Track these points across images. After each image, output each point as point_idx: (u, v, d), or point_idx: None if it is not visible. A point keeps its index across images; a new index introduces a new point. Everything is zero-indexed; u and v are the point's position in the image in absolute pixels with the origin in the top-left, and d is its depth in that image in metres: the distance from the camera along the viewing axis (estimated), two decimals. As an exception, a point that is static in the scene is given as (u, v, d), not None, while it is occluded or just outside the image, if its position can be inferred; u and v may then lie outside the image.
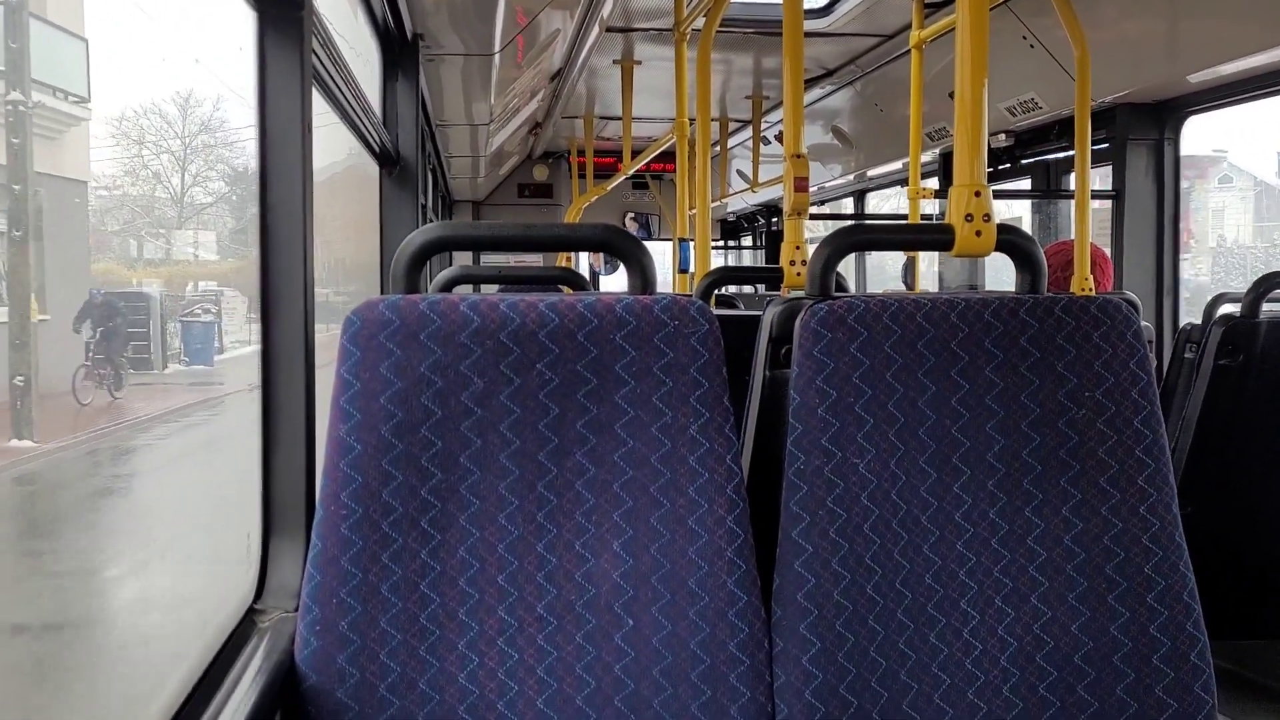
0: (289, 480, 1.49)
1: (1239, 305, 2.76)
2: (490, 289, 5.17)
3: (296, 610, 1.32)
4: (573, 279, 2.38)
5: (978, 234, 1.58)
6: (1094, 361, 1.45)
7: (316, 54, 1.76)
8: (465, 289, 3.03)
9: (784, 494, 1.38)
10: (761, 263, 10.35)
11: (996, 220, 1.70)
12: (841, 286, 2.40)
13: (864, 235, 1.64)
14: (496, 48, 3.62)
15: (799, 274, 2.59)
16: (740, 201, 8.99)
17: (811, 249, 2.70)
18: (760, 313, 1.59)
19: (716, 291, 3.19)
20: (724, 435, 1.35)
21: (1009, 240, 1.58)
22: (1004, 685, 1.40)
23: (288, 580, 1.47)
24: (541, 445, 1.34)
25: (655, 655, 1.32)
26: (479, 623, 1.31)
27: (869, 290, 7.74)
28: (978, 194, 1.59)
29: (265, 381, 1.50)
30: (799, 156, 2.63)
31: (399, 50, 3.32)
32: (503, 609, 1.32)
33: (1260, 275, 2.57)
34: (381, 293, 1.48)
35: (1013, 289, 1.56)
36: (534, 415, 1.33)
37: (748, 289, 7.71)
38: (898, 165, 6.37)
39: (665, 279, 9.16)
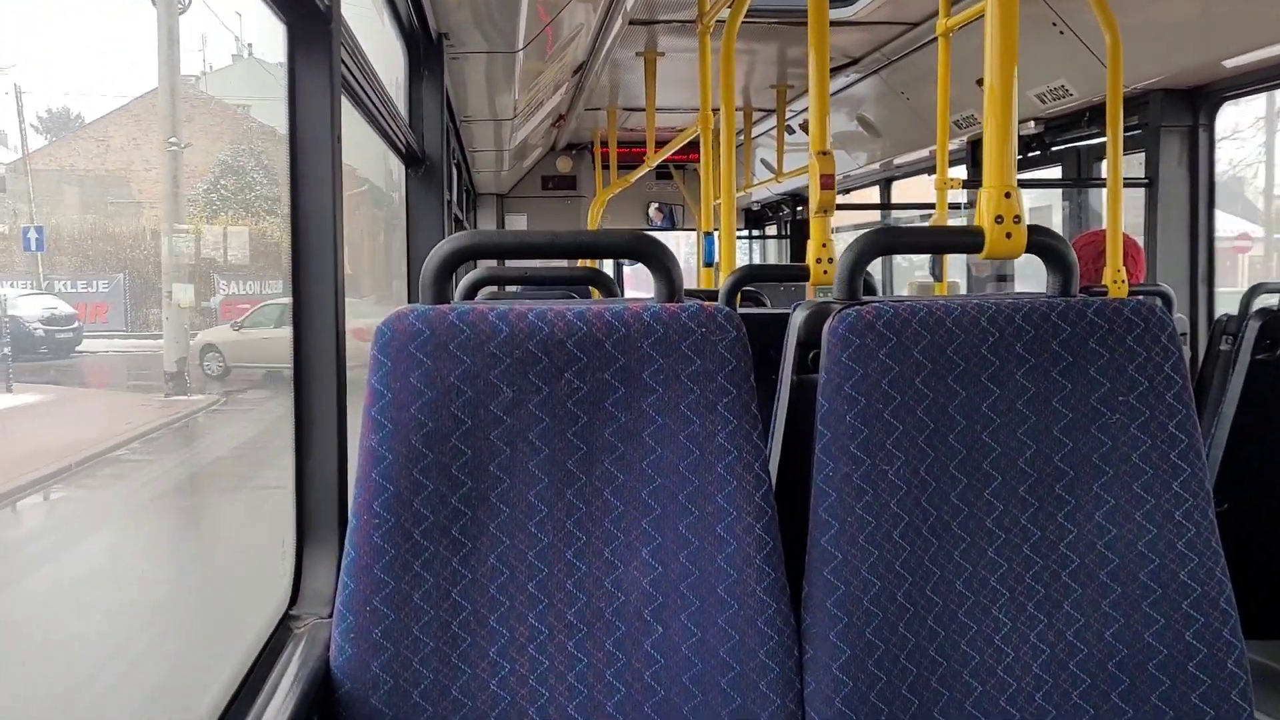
0: (322, 488, 1.50)
1: (1276, 295, 2.73)
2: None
3: (330, 616, 1.34)
4: (598, 279, 2.38)
5: (1008, 236, 1.57)
6: (1127, 365, 1.43)
7: (345, 63, 1.77)
8: (492, 287, 3.04)
9: (813, 500, 1.38)
10: (787, 251, 10.31)
11: (1027, 219, 1.68)
12: (870, 287, 2.38)
13: (893, 238, 1.63)
14: (520, 44, 3.61)
15: (825, 272, 2.58)
16: (765, 190, 8.95)
17: (837, 243, 2.69)
18: (786, 310, 1.59)
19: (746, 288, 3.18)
20: (752, 442, 1.35)
21: (1040, 241, 1.56)
22: (1036, 692, 1.40)
23: (322, 587, 1.48)
24: (570, 453, 1.34)
25: (685, 662, 1.33)
26: (510, 629, 1.32)
27: (895, 280, 7.70)
28: (1008, 195, 1.57)
29: (298, 389, 1.52)
30: (825, 154, 2.62)
31: (424, 50, 3.32)
32: (533, 616, 1.33)
33: None
34: (409, 292, 1.48)
35: (1044, 276, 1.54)
36: (563, 423, 1.34)
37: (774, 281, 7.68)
38: (924, 153, 6.33)
39: (689, 267, 9.13)
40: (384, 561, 1.30)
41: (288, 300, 1.58)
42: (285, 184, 1.57)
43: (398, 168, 3.47)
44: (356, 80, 2.01)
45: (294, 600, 1.49)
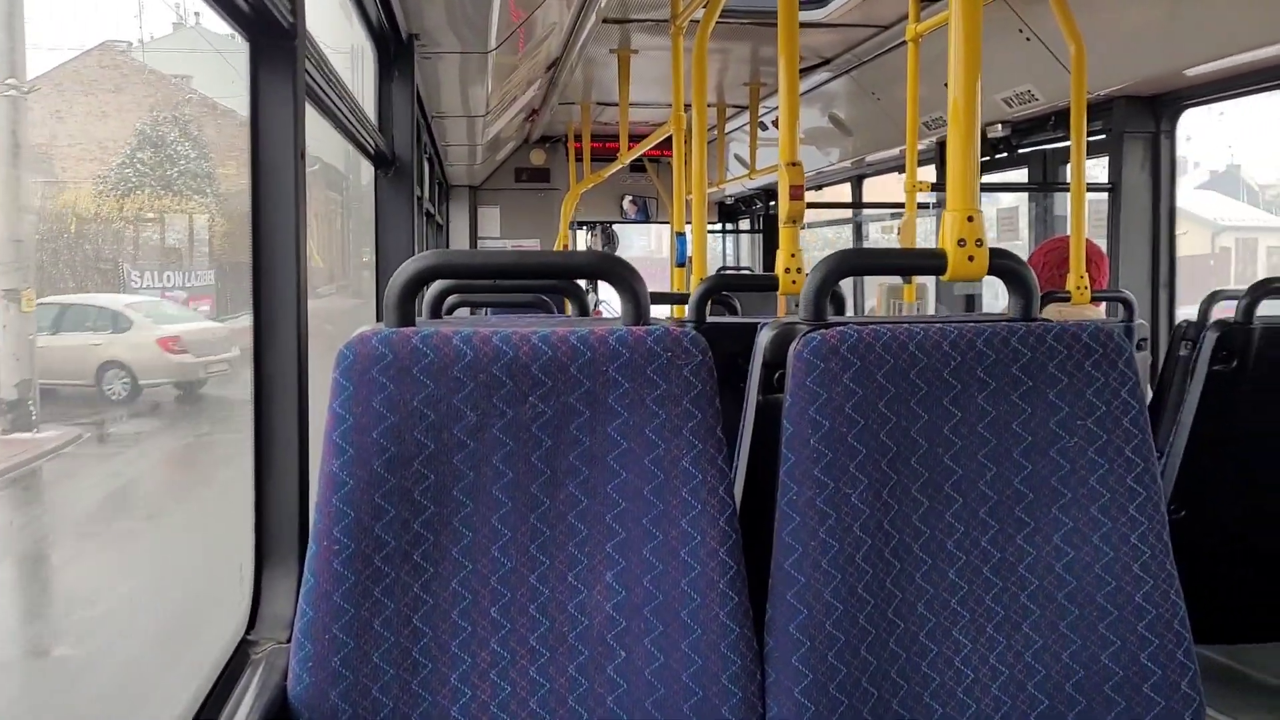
0: (282, 511, 1.49)
1: (1234, 302, 2.76)
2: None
3: (289, 641, 1.33)
4: (569, 290, 2.38)
5: (970, 259, 1.58)
6: (1085, 390, 1.45)
7: (310, 74, 1.75)
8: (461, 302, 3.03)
9: (776, 525, 1.39)
10: (760, 246, 10.33)
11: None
12: (839, 301, 2.40)
13: (857, 260, 1.64)
14: (493, 43, 3.60)
15: (794, 282, 2.59)
16: (739, 185, 8.97)
17: (809, 237, 2.69)
18: (756, 320, 1.59)
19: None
20: (717, 466, 1.35)
21: (1001, 264, 1.58)
22: (995, 714, 1.42)
23: (280, 611, 1.48)
24: (534, 477, 1.34)
25: (648, 687, 1.34)
26: (471, 655, 1.32)
27: (866, 281, 7.73)
28: (971, 219, 1.59)
29: (258, 409, 1.51)
30: (794, 164, 2.62)
31: (394, 51, 3.30)
32: (495, 641, 1.33)
33: (1256, 280, 2.57)
34: (377, 300, 1.48)
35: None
36: (527, 447, 1.34)
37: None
38: (895, 152, 6.36)
39: (664, 258, 9.13)
40: (344, 588, 1.29)
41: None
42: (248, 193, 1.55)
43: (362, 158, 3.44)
44: (322, 90, 2.00)
45: (252, 624, 1.48)
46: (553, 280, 2.32)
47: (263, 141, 1.53)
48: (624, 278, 1.41)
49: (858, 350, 1.41)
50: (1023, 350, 1.45)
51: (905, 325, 1.45)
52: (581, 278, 1.46)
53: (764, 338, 1.51)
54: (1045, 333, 1.45)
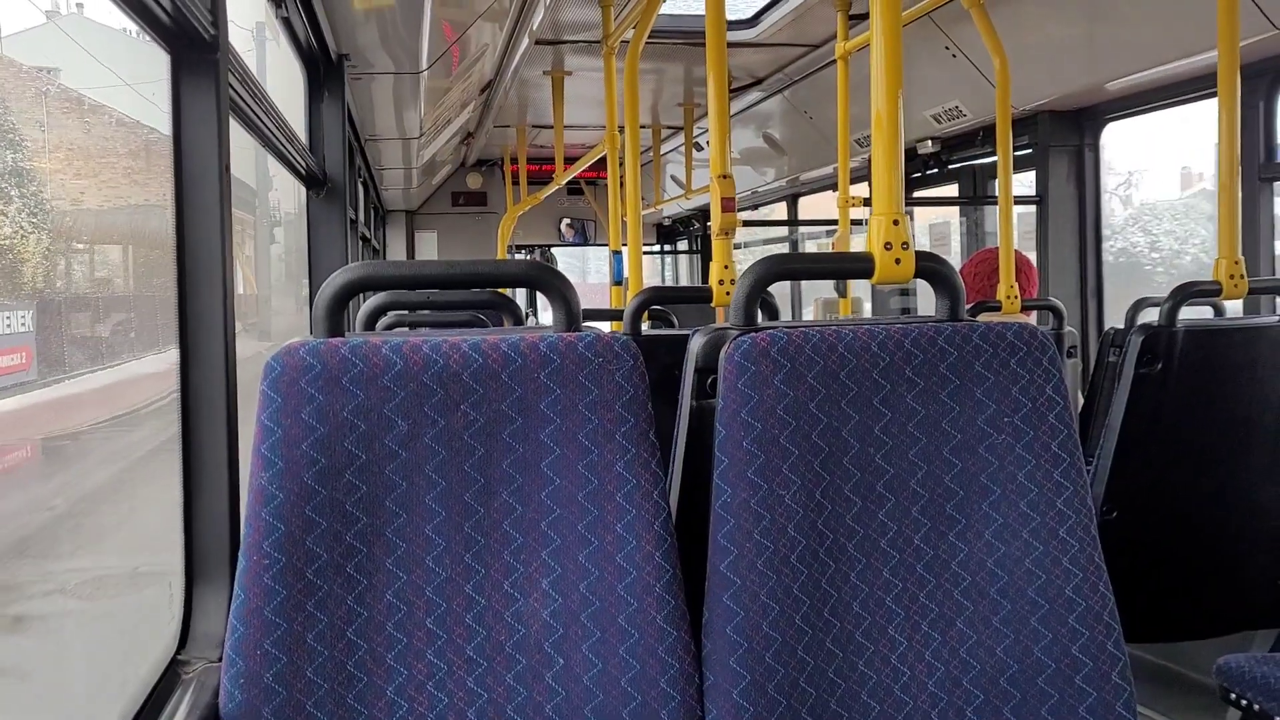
0: (212, 526, 1.46)
1: (1157, 309, 2.84)
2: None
3: (221, 660, 1.30)
4: (504, 304, 2.37)
5: (897, 261, 1.61)
6: (1011, 387, 1.48)
7: (234, 88, 1.73)
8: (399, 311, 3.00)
9: (711, 527, 1.39)
10: (698, 266, 10.40)
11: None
12: (772, 310, 2.42)
13: (786, 265, 1.66)
14: (424, 64, 3.59)
15: (728, 293, 2.61)
16: (676, 206, 9.03)
17: (749, 257, 2.71)
18: (692, 332, 1.60)
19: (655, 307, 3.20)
20: (650, 470, 1.36)
21: (927, 266, 1.60)
22: (932, 710, 1.43)
23: (213, 629, 1.45)
24: (468, 486, 1.33)
25: (586, 694, 1.33)
26: (408, 667, 1.31)
27: (804, 297, 7.82)
28: (896, 222, 1.62)
29: (185, 426, 1.48)
30: (725, 177, 2.65)
31: (324, 71, 3.28)
32: (431, 652, 1.31)
33: (1177, 284, 2.64)
34: (310, 321, 1.46)
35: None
36: (459, 456, 1.33)
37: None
38: (829, 170, 6.45)
39: (603, 284, 9.15)
40: (275, 603, 1.27)
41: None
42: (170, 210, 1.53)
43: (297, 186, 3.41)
44: (247, 104, 1.98)
45: (183, 644, 1.45)
46: (486, 293, 2.31)
47: (185, 155, 1.51)
48: (555, 285, 1.41)
49: (787, 352, 1.42)
50: (949, 349, 1.47)
51: (834, 327, 1.47)
52: (513, 286, 1.46)
53: (695, 344, 1.52)
54: (971, 332, 1.48)
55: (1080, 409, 3.56)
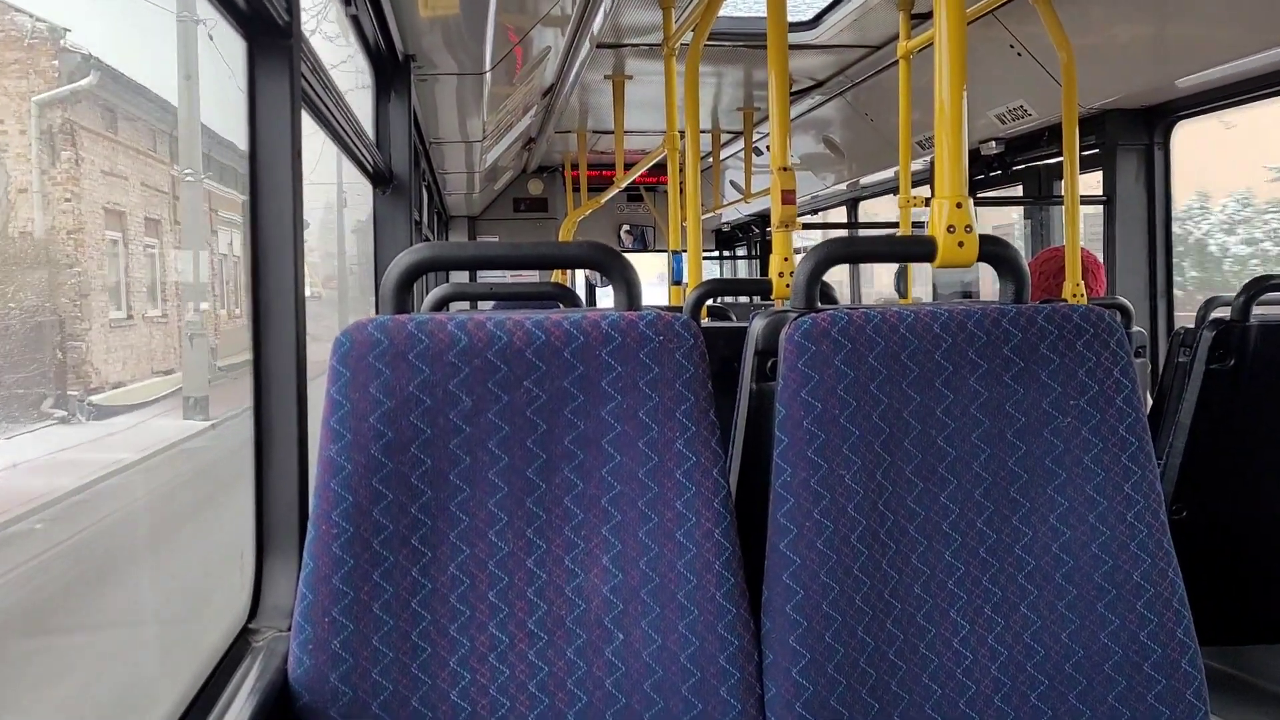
0: (282, 500, 1.50)
1: (1229, 308, 2.77)
2: (485, 304, 5.19)
3: (290, 630, 1.34)
4: (564, 295, 2.40)
5: (960, 245, 1.60)
6: (1078, 370, 1.46)
7: (306, 79, 1.78)
8: (461, 304, 3.05)
9: (771, 506, 1.40)
10: (756, 271, 10.39)
11: (980, 230, 1.71)
12: (829, 297, 2.42)
13: (847, 248, 1.66)
14: (488, 66, 3.64)
15: (788, 285, 2.60)
16: (735, 212, 9.02)
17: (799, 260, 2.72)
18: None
19: (710, 302, 3.21)
20: (710, 449, 1.36)
21: (991, 250, 1.59)
22: (995, 695, 1.41)
23: (282, 599, 1.48)
24: (530, 461, 1.35)
25: (646, 669, 1.33)
26: (470, 639, 1.32)
27: (863, 296, 7.77)
28: (959, 205, 1.61)
29: (257, 403, 1.52)
30: (785, 169, 2.65)
31: (391, 71, 3.34)
32: (493, 625, 1.33)
33: (1249, 279, 2.58)
34: (375, 311, 1.50)
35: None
36: (522, 432, 1.35)
37: (744, 298, 7.75)
38: (889, 174, 6.41)
39: (662, 290, 9.18)
40: (343, 572, 1.30)
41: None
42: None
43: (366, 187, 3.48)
44: (319, 96, 2.03)
45: (253, 613, 1.48)
46: (548, 285, 2.34)
47: (260, 140, 1.56)
48: (616, 266, 1.43)
49: (848, 333, 1.42)
50: (1014, 331, 1.46)
51: (896, 309, 1.46)
52: (575, 267, 1.48)
53: (756, 327, 1.53)
54: (1036, 314, 1.46)
55: (1149, 410, 3.49)
